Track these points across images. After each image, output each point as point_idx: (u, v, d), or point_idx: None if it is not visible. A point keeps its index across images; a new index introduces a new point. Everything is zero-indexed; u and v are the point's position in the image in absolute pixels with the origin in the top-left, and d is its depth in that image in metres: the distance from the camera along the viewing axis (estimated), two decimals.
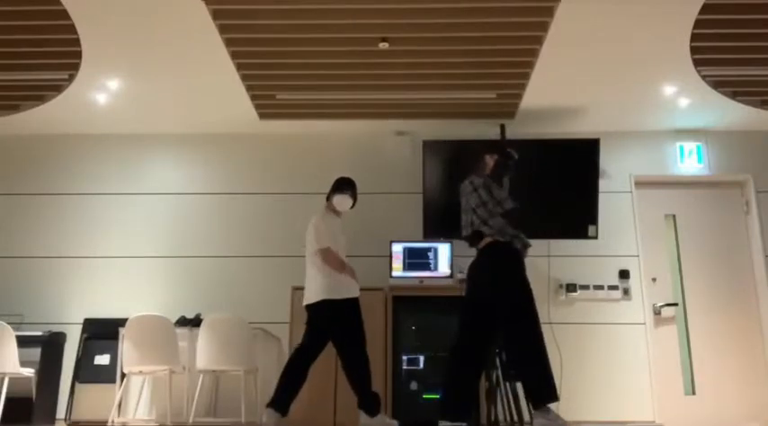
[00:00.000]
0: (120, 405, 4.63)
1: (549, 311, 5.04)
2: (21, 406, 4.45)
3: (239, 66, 4.42)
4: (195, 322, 4.70)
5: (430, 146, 5.09)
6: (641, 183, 5.37)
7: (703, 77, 4.51)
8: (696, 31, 3.94)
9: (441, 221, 4.96)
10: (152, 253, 5.29)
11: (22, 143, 5.53)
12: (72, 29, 3.93)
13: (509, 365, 3.84)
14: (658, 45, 4.11)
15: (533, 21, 3.87)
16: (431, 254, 4.85)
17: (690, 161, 5.39)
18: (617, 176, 5.34)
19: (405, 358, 4.52)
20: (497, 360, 3.91)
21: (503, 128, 5.24)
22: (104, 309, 5.07)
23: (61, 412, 4.80)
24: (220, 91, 4.77)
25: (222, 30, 3.96)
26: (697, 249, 5.28)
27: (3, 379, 4.27)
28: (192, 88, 4.77)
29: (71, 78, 4.55)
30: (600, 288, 5.13)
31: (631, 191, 5.34)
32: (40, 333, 4.77)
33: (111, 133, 5.52)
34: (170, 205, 5.41)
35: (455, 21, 3.87)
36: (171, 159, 5.53)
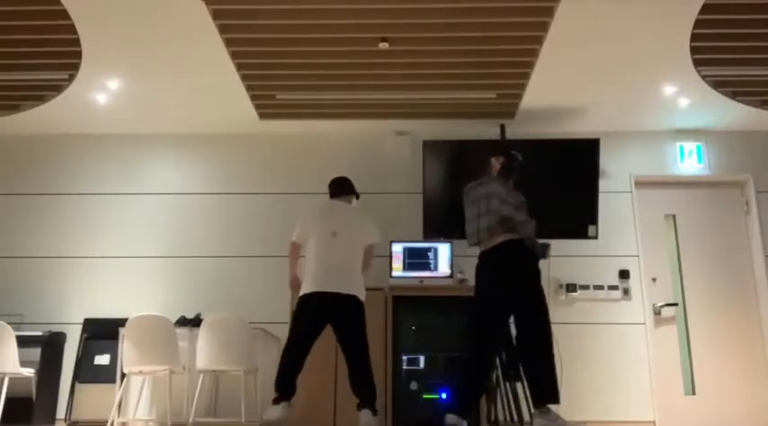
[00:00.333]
0: (120, 405, 4.62)
1: (548, 311, 5.04)
2: (21, 406, 4.46)
3: (239, 66, 4.42)
4: (195, 322, 4.70)
5: (430, 146, 5.09)
6: (641, 183, 5.37)
7: (703, 77, 4.51)
8: (696, 31, 3.94)
9: (441, 221, 4.96)
10: (152, 253, 5.29)
11: (22, 143, 5.53)
12: (72, 29, 3.93)
13: (510, 364, 3.86)
14: (658, 45, 4.11)
15: (533, 21, 3.87)
16: (431, 254, 4.85)
17: (690, 161, 5.39)
18: (617, 176, 5.35)
19: (405, 358, 4.52)
20: (497, 360, 3.92)
21: (503, 128, 5.24)
22: (104, 309, 5.07)
23: (61, 412, 4.81)
24: (220, 91, 4.78)
25: (222, 30, 3.96)
26: (697, 249, 5.28)
27: (3, 379, 4.27)
28: (192, 88, 4.77)
29: (71, 78, 4.55)
30: (600, 288, 5.13)
31: (631, 191, 5.34)
32: (40, 333, 4.77)
33: (111, 133, 5.53)
34: (170, 205, 5.42)
35: (455, 21, 3.87)
36: (171, 159, 5.54)
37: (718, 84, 4.63)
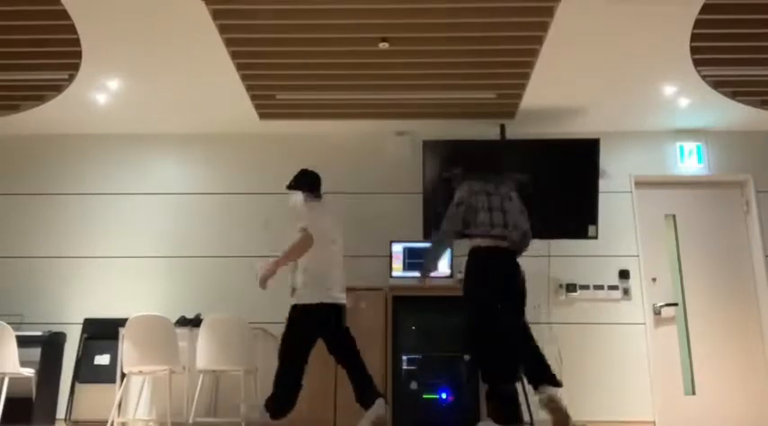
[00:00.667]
0: (120, 405, 4.63)
1: (549, 311, 5.05)
2: (21, 406, 4.45)
3: (239, 66, 4.42)
4: (195, 322, 4.70)
5: (430, 146, 5.09)
6: (641, 183, 5.37)
7: (703, 77, 4.51)
8: (696, 31, 3.93)
9: (441, 221, 4.94)
10: (152, 253, 5.29)
11: (21, 143, 5.53)
12: (72, 29, 3.93)
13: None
14: (658, 45, 4.11)
15: (533, 21, 3.87)
16: None
17: (690, 161, 5.39)
18: (617, 176, 5.34)
19: (405, 358, 4.52)
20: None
21: (503, 128, 5.24)
22: (104, 309, 5.07)
23: (61, 412, 4.81)
24: (220, 91, 4.77)
25: (222, 30, 3.96)
26: (697, 249, 5.28)
27: (3, 379, 4.27)
28: (192, 88, 4.77)
29: (71, 78, 4.55)
30: (600, 288, 5.13)
31: (631, 191, 5.34)
32: (40, 333, 4.77)
33: (111, 133, 5.52)
34: (170, 205, 5.42)
35: (455, 21, 3.87)
36: (171, 159, 5.54)
37: (718, 84, 4.63)
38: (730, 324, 5.10)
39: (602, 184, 5.06)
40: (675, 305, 5.15)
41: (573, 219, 4.98)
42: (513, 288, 3.53)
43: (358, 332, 4.53)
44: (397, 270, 4.83)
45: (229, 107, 5.06)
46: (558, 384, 3.39)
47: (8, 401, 4.26)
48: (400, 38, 4.06)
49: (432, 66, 4.42)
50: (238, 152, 5.52)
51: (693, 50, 4.16)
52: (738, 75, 4.48)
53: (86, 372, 4.84)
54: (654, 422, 4.82)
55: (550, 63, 4.33)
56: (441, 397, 4.39)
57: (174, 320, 4.60)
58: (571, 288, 5.12)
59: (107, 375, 4.73)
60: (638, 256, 5.21)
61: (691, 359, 5.08)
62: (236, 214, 5.37)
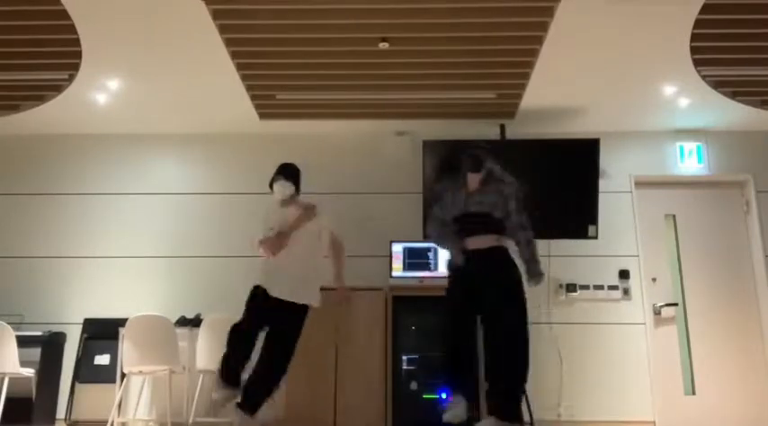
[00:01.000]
0: (120, 405, 4.63)
1: (549, 311, 5.05)
2: (21, 406, 4.45)
3: (239, 66, 4.42)
4: (195, 322, 4.71)
5: (430, 146, 5.08)
6: (641, 183, 5.37)
7: (703, 77, 4.51)
8: (696, 31, 3.93)
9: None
10: (152, 253, 5.29)
11: (21, 143, 5.53)
12: (72, 29, 3.93)
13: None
14: (658, 45, 4.11)
15: (533, 21, 3.87)
16: (431, 254, 4.85)
17: (690, 161, 5.39)
18: (617, 176, 5.34)
19: (405, 358, 4.52)
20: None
21: (503, 128, 5.24)
22: (104, 309, 5.07)
23: (61, 412, 4.81)
24: (220, 91, 4.77)
25: (222, 30, 3.95)
26: (697, 249, 5.28)
27: (3, 379, 4.27)
28: (192, 88, 4.77)
29: (71, 78, 4.55)
30: (600, 288, 5.13)
31: (631, 191, 5.34)
32: (40, 333, 4.77)
33: (111, 133, 5.52)
34: (170, 205, 5.42)
35: (455, 21, 3.87)
36: (171, 159, 5.54)
37: (718, 84, 4.63)
38: (730, 324, 5.10)
39: (602, 184, 5.05)
40: (675, 305, 5.15)
41: (573, 219, 4.97)
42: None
43: (358, 332, 4.56)
44: (397, 270, 4.83)
45: (229, 107, 5.06)
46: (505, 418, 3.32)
47: (8, 401, 4.26)
48: (400, 38, 4.06)
49: (432, 66, 4.42)
50: (238, 152, 5.52)
51: (693, 50, 4.16)
52: (738, 75, 4.48)
53: (86, 372, 4.84)
54: (654, 422, 4.82)
55: (550, 63, 4.33)
56: (441, 397, 4.39)
57: (174, 320, 4.61)
58: (571, 288, 5.12)
59: (107, 375, 4.73)
60: (638, 256, 5.21)
61: (691, 359, 5.08)
62: (236, 214, 5.36)
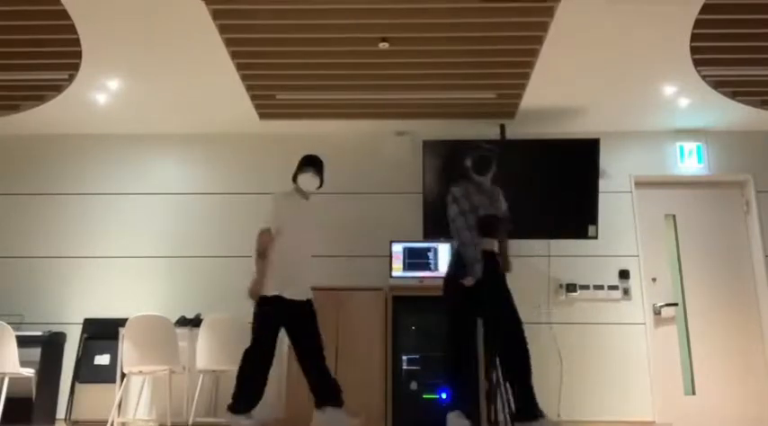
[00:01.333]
0: (120, 405, 4.63)
1: (549, 311, 5.05)
2: (21, 406, 4.45)
3: (239, 66, 4.42)
4: (195, 322, 4.71)
5: (430, 146, 5.08)
6: (641, 183, 5.37)
7: (703, 77, 4.51)
8: (696, 31, 3.93)
9: (441, 221, 4.93)
10: (152, 253, 5.29)
11: (21, 143, 5.53)
12: (72, 29, 3.93)
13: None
14: (658, 45, 4.11)
15: (533, 21, 3.87)
16: (431, 254, 4.85)
17: (690, 161, 5.39)
18: (617, 176, 5.34)
19: (405, 358, 4.52)
20: (497, 361, 3.92)
21: (503, 128, 5.24)
22: (104, 309, 5.07)
23: (61, 412, 4.81)
24: (220, 91, 4.77)
25: (222, 30, 3.95)
26: (697, 249, 5.28)
27: (3, 379, 4.27)
28: (192, 88, 4.77)
29: (71, 78, 4.55)
30: (600, 288, 5.13)
31: (631, 191, 5.34)
32: (40, 333, 4.77)
33: (111, 133, 5.53)
34: (170, 205, 5.42)
35: (455, 21, 3.87)
36: (171, 159, 5.54)
37: (718, 84, 4.63)
38: (730, 324, 5.10)
39: (602, 184, 5.06)
40: (675, 305, 5.15)
41: (573, 219, 4.98)
42: None
43: (358, 332, 4.55)
44: (397, 270, 4.83)
45: (229, 107, 5.06)
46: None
47: (8, 401, 4.26)
48: (400, 38, 4.06)
49: (432, 66, 4.42)
50: (238, 152, 5.52)
51: (693, 50, 4.16)
52: (738, 75, 4.48)
53: (86, 372, 4.83)
54: (654, 422, 4.82)
55: (550, 63, 4.33)
56: (441, 397, 4.39)
57: (174, 320, 4.61)
58: (571, 288, 5.12)
59: (107, 375, 4.72)
60: (638, 256, 5.21)
61: (691, 359, 5.08)
62: (236, 214, 5.36)
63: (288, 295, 3.74)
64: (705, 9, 3.69)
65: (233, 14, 3.81)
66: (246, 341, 3.77)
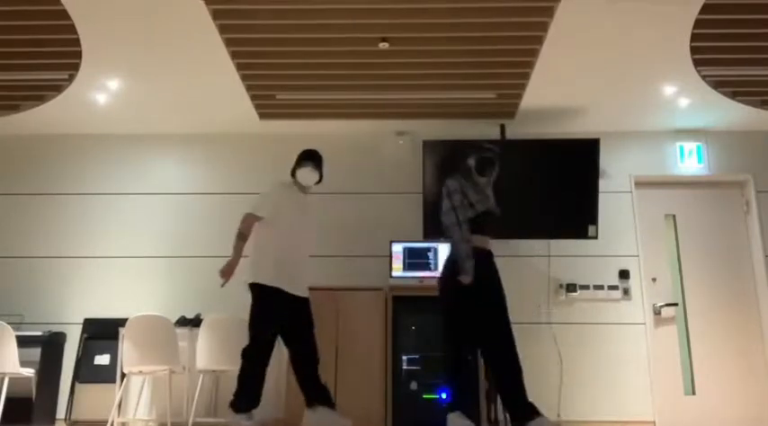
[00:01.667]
0: (120, 405, 4.63)
1: (549, 311, 5.05)
2: (21, 406, 4.45)
3: (239, 66, 4.42)
4: (195, 322, 4.70)
5: (430, 146, 5.08)
6: (641, 183, 5.37)
7: (703, 77, 4.51)
8: (696, 31, 3.94)
9: (441, 221, 4.95)
10: (152, 253, 5.29)
11: (21, 143, 5.53)
12: (72, 29, 3.93)
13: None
14: (658, 45, 4.11)
15: (533, 21, 3.87)
16: (431, 254, 4.85)
17: (690, 161, 5.39)
18: (617, 176, 5.35)
19: (405, 358, 4.52)
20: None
21: (503, 128, 5.24)
22: (104, 309, 5.07)
23: (61, 412, 4.81)
24: (220, 91, 4.78)
25: (222, 30, 3.96)
26: (697, 249, 5.28)
27: (3, 379, 4.27)
28: (192, 88, 4.77)
29: (71, 78, 4.55)
30: (600, 288, 5.13)
31: (631, 191, 5.34)
32: (40, 333, 4.77)
33: (111, 133, 5.53)
34: (170, 205, 5.42)
35: (455, 21, 3.87)
36: (171, 159, 5.54)
37: (718, 84, 4.63)
38: (730, 324, 5.10)
39: (602, 184, 5.06)
40: (675, 305, 5.15)
41: (573, 219, 4.98)
42: None
43: (358, 332, 4.55)
44: (397, 270, 4.83)
45: (229, 107, 5.06)
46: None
47: (8, 401, 4.26)
48: (400, 38, 4.06)
49: (432, 66, 4.42)
50: (238, 152, 5.52)
51: (693, 50, 4.16)
52: (738, 75, 4.48)
53: (86, 372, 4.83)
54: (654, 422, 4.82)
55: (550, 63, 4.33)
56: (441, 397, 4.39)
57: (174, 320, 4.60)
58: (571, 288, 5.12)
59: (107, 375, 4.72)
60: (638, 256, 5.21)
61: (691, 359, 5.08)
62: (236, 214, 5.30)
63: (289, 290, 3.73)
64: (705, 9, 3.69)
65: (233, 14, 3.81)
66: (246, 341, 3.76)
